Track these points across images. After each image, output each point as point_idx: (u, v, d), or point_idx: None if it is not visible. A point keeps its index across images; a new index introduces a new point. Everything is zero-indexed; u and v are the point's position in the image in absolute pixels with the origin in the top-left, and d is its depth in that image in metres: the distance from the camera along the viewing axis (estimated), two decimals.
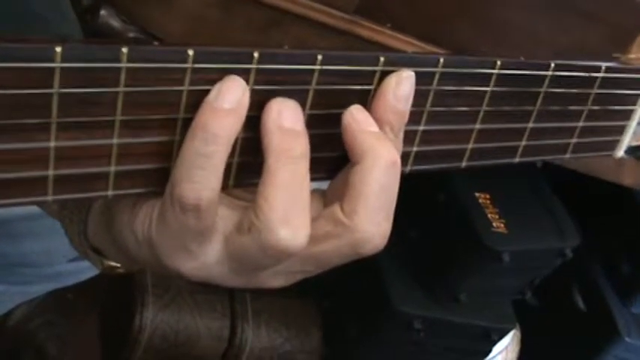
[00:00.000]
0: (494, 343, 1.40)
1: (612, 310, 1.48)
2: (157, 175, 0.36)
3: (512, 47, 0.99)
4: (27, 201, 0.31)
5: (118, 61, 0.31)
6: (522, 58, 0.43)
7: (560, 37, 1.00)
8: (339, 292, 1.41)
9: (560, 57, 0.44)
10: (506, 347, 1.50)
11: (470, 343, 1.39)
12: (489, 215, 1.28)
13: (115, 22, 0.86)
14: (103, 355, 1.34)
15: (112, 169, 0.33)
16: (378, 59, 0.38)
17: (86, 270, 0.84)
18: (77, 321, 1.34)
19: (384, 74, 0.39)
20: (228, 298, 1.32)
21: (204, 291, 1.30)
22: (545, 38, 1.00)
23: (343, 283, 1.39)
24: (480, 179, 1.30)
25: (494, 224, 1.27)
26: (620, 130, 0.52)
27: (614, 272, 1.51)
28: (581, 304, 1.53)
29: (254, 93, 0.36)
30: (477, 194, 1.30)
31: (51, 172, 0.31)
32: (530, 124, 0.45)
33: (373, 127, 0.39)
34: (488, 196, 1.31)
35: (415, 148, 0.42)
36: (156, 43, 0.33)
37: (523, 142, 0.46)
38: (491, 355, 1.46)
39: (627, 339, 1.47)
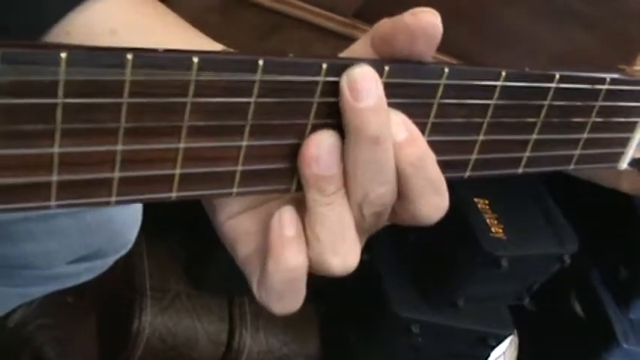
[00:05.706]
0: (492, 348, 1.40)
1: (610, 317, 1.48)
2: (161, 182, 0.35)
3: (512, 53, 0.99)
4: (29, 206, 0.32)
5: (123, 66, 0.31)
6: (527, 68, 0.42)
7: (560, 43, 1.00)
8: (337, 296, 1.41)
9: (564, 68, 0.44)
10: (504, 353, 1.50)
11: (467, 349, 1.39)
12: (488, 220, 1.28)
13: None
14: (101, 358, 1.34)
15: (117, 175, 0.33)
16: (383, 69, 0.38)
17: (85, 272, 0.84)
18: (76, 324, 1.34)
19: (388, 85, 0.38)
20: (227, 302, 1.32)
21: (203, 295, 1.30)
22: (545, 45, 1.00)
23: (342, 287, 1.39)
24: (479, 185, 1.30)
25: (492, 229, 1.27)
26: (625, 143, 0.51)
27: (612, 278, 1.51)
28: (579, 310, 1.53)
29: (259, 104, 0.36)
30: (475, 199, 1.31)
31: (54, 178, 0.31)
32: (534, 136, 0.45)
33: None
34: (487, 202, 1.31)
35: None
36: (160, 49, 0.33)
37: (527, 154, 0.46)
38: None
39: (625, 345, 1.47)
